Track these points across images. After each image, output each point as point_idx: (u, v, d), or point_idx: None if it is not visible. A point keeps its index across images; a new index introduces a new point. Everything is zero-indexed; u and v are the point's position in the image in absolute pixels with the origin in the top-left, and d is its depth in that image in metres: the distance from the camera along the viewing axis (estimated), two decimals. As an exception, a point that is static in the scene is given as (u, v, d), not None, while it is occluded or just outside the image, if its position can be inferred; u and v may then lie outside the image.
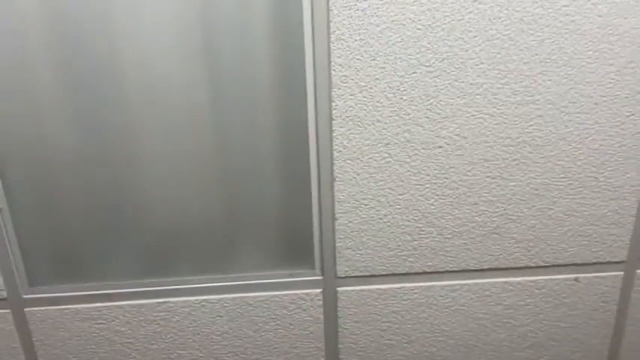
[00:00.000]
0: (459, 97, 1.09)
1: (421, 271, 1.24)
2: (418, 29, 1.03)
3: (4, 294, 1.20)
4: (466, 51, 1.05)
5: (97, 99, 1.06)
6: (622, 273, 1.29)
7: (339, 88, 1.06)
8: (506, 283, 1.27)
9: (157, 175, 1.13)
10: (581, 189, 1.19)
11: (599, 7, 1.03)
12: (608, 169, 1.17)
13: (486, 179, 1.16)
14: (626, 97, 1.11)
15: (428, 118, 1.10)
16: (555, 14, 1.03)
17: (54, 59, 1.03)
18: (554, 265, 1.27)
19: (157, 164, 1.12)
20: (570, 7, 1.03)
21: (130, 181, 1.13)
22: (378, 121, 1.09)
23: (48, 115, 1.07)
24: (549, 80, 1.08)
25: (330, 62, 1.04)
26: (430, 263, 1.24)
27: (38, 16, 1.00)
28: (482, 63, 1.06)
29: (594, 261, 1.27)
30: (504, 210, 1.20)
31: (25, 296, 1.22)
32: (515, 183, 1.17)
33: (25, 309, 1.23)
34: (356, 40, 1.03)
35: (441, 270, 1.25)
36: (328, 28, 1.02)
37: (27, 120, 1.07)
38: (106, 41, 1.02)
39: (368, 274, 1.24)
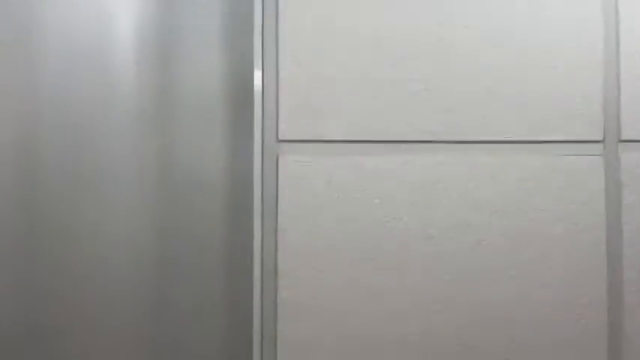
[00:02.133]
0: (404, 295, 1.09)
1: None
2: (362, 227, 1.10)
3: None
4: (407, 248, 1.10)
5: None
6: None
7: (285, 279, 1.08)
8: None
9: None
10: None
11: (529, 214, 1.12)
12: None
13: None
14: (573, 297, 1.12)
15: (375, 316, 1.09)
16: (488, 219, 1.12)
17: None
18: None
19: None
20: (500, 213, 1.12)
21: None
22: (324, 313, 1.08)
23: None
24: (495, 280, 1.11)
25: (277, 253, 1.08)
26: None
27: None
28: (424, 261, 1.10)
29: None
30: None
31: None
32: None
33: None
34: (303, 235, 1.09)
35: None
36: (276, 222, 1.09)
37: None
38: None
39: None
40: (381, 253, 1.10)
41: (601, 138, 1.14)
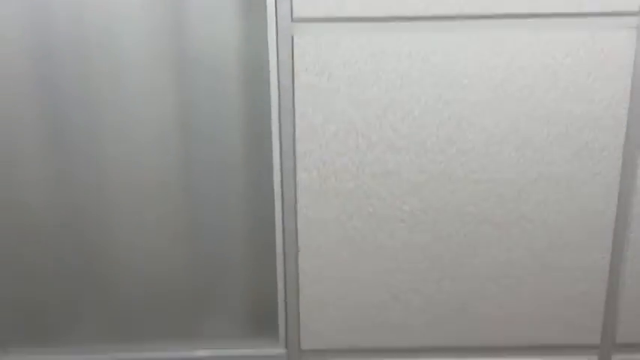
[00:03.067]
0: (419, 174, 1.13)
1: (388, 347, 1.22)
2: (378, 109, 1.09)
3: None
4: (424, 130, 1.10)
5: (67, 163, 1.12)
6: (596, 357, 1.25)
7: (304, 162, 1.11)
8: (475, 363, 1.24)
9: (124, 245, 1.16)
10: (546, 268, 1.19)
11: (551, 93, 1.10)
12: (573, 249, 1.18)
13: (450, 255, 1.17)
14: (585, 179, 1.14)
15: (390, 193, 1.13)
16: (509, 99, 1.09)
17: (32, 116, 1.09)
18: (525, 347, 1.24)
19: (125, 233, 1.15)
20: (522, 93, 1.09)
21: (98, 251, 1.16)
22: (342, 194, 1.13)
23: (18, 180, 1.12)
24: (506, 161, 1.13)
25: (294, 137, 1.10)
26: (397, 339, 1.22)
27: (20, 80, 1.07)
28: (440, 142, 1.11)
29: (566, 344, 1.24)
30: (469, 287, 1.19)
31: (-16, 360, 1.21)
32: (478, 260, 1.18)
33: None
34: (319, 118, 1.09)
35: (408, 347, 1.22)
36: (293, 106, 1.08)
37: None
38: (83, 116, 1.09)
39: (333, 348, 1.22)
40: (397, 136, 1.10)
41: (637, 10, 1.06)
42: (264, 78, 1.07)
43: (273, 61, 1.07)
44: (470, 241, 1.16)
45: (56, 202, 1.13)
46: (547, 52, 1.07)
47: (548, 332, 1.23)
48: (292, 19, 1.04)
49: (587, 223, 1.16)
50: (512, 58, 1.07)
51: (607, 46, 1.07)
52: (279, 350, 1.22)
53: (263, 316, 1.21)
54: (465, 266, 1.18)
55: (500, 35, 1.06)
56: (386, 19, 1.05)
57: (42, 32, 1.05)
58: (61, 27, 1.04)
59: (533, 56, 1.07)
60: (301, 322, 1.19)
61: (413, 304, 1.20)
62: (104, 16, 1.04)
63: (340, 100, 1.08)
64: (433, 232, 1.16)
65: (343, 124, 1.09)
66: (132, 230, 1.15)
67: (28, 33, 1.04)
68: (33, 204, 1.13)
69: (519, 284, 1.19)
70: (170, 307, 1.20)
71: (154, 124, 1.10)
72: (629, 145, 1.12)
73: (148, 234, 1.16)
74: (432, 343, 1.22)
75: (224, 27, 1.05)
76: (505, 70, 1.08)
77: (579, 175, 1.14)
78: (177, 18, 1.05)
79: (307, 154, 1.10)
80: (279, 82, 1.07)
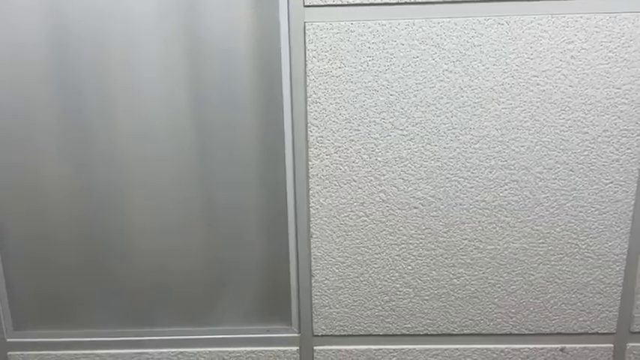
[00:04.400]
0: (432, 160, 1.12)
1: (399, 333, 1.23)
2: (391, 95, 1.08)
3: (-10, 337, 1.24)
4: (438, 116, 1.09)
5: (89, 153, 1.13)
6: (612, 345, 1.24)
7: (316, 148, 1.11)
8: (487, 349, 1.24)
9: (142, 228, 1.18)
10: (562, 255, 1.18)
11: (570, 77, 1.07)
12: (589, 236, 1.16)
13: (463, 241, 1.17)
14: (603, 165, 1.12)
15: (402, 179, 1.13)
16: (526, 84, 1.07)
17: (53, 112, 1.11)
18: (538, 334, 1.23)
19: (142, 218, 1.17)
20: (540, 78, 1.07)
21: (116, 232, 1.18)
22: (354, 180, 1.13)
23: (40, 166, 1.14)
24: (522, 146, 1.11)
25: (307, 123, 1.10)
26: (408, 325, 1.22)
27: (41, 71, 1.09)
28: (454, 128, 1.10)
29: (581, 331, 1.23)
30: (483, 274, 1.19)
31: (8, 340, 1.25)
32: (492, 247, 1.17)
33: (9, 353, 1.25)
34: (331, 104, 1.08)
35: (420, 333, 1.23)
36: (305, 92, 1.08)
37: (19, 171, 1.14)
38: (98, 102, 1.10)
39: (345, 333, 1.23)
40: (410, 122, 1.09)
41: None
42: (276, 64, 1.07)
43: (285, 48, 1.06)
44: (484, 227, 1.16)
45: (76, 195, 1.16)
46: (565, 36, 1.05)
47: (563, 320, 1.22)
48: (304, 4, 1.03)
49: (605, 210, 1.14)
50: (530, 42, 1.05)
51: (627, 30, 1.04)
52: (293, 334, 1.24)
53: (276, 301, 1.22)
54: (479, 253, 1.17)
55: (517, 19, 1.03)
56: (399, 4, 1.03)
57: (60, 33, 1.06)
58: (76, 19, 1.05)
59: (551, 40, 1.05)
60: (314, 307, 1.20)
61: (425, 291, 1.20)
62: (120, 5, 1.05)
63: (353, 87, 1.07)
64: (447, 218, 1.15)
65: (355, 110, 1.08)
66: (148, 216, 1.17)
67: (43, 26, 1.06)
68: (53, 198, 1.16)
69: (534, 271, 1.18)
70: (187, 291, 1.22)
71: (167, 111, 1.11)
72: (649, 131, 1.09)
73: (164, 221, 1.17)
74: (445, 329, 1.22)
75: (236, 13, 1.05)
76: (522, 55, 1.05)
77: (597, 161, 1.11)
78: (190, 3, 1.05)
79: (319, 140, 1.10)
80: (291, 68, 1.07)
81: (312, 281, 1.19)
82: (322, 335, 1.23)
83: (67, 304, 1.23)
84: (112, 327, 1.24)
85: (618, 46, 1.05)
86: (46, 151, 1.13)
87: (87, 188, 1.15)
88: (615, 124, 1.09)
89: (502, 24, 1.04)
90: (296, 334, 1.24)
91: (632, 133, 1.10)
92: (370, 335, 1.23)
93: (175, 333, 1.24)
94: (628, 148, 1.10)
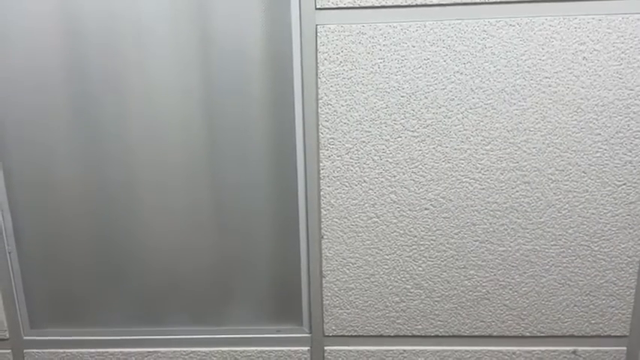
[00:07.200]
0: (443, 162, 1.12)
1: (410, 334, 1.23)
2: (402, 97, 1.08)
3: (7, 334, 1.26)
4: (449, 118, 1.09)
5: (102, 154, 1.15)
6: (625, 348, 1.23)
7: (327, 149, 1.12)
8: (499, 352, 1.24)
9: (155, 229, 1.19)
10: (574, 257, 1.17)
11: (582, 79, 1.07)
12: (602, 238, 1.16)
13: (474, 243, 1.17)
14: (616, 167, 1.11)
15: (413, 180, 1.13)
16: (537, 85, 1.07)
17: (68, 113, 1.13)
18: (550, 336, 1.23)
19: (155, 218, 1.19)
20: (552, 79, 1.07)
21: (130, 233, 1.20)
22: (365, 181, 1.13)
23: (56, 167, 1.16)
24: (534, 148, 1.11)
25: (318, 125, 1.11)
26: (419, 326, 1.22)
27: (56, 76, 1.11)
28: (465, 130, 1.10)
29: (593, 334, 1.22)
30: (494, 275, 1.19)
31: (25, 337, 1.27)
32: (504, 248, 1.17)
33: (25, 350, 1.28)
34: (342, 106, 1.09)
35: (431, 334, 1.23)
36: (316, 94, 1.09)
37: (36, 171, 1.16)
38: (112, 103, 1.12)
39: (356, 334, 1.23)
40: (421, 124, 1.10)
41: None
42: (288, 66, 1.08)
43: (297, 49, 1.07)
44: (495, 229, 1.15)
45: (90, 195, 1.17)
46: (577, 38, 1.04)
47: (575, 322, 1.21)
48: (316, 7, 1.04)
49: (618, 212, 1.14)
50: (541, 44, 1.05)
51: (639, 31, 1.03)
52: (304, 335, 1.24)
53: (287, 301, 1.23)
54: (490, 254, 1.17)
55: (529, 21, 1.03)
56: (410, 7, 1.04)
57: (74, 37, 1.08)
58: (90, 20, 1.07)
59: (563, 42, 1.05)
60: (324, 308, 1.21)
61: (436, 292, 1.20)
62: (133, 8, 1.06)
63: (364, 88, 1.08)
64: (457, 220, 1.15)
65: (366, 112, 1.09)
66: (161, 216, 1.19)
67: (56, 29, 1.08)
68: (68, 199, 1.18)
69: (545, 273, 1.18)
70: (199, 291, 1.23)
71: (182, 115, 1.12)
72: (663, 133, 1.09)
73: (179, 225, 1.19)
74: (455, 331, 1.22)
75: (249, 15, 1.06)
76: (533, 57, 1.05)
77: (610, 163, 1.11)
78: (201, 8, 1.06)
79: (331, 142, 1.11)
80: (302, 69, 1.08)
81: (323, 282, 1.20)
82: (333, 336, 1.23)
83: (82, 304, 1.25)
84: (125, 326, 1.25)
85: (631, 47, 1.04)
86: (61, 152, 1.15)
87: (101, 189, 1.17)
88: (628, 126, 1.09)
89: (513, 25, 1.04)
90: (307, 335, 1.24)
91: (646, 135, 1.09)
92: (381, 336, 1.23)
93: (187, 332, 1.25)
94: (641, 150, 1.10)
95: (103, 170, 1.15)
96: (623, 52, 1.04)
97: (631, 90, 1.06)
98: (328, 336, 1.23)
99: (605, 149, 1.10)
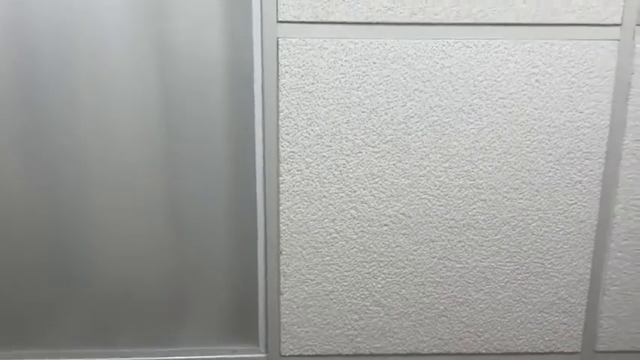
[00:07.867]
0: (403, 178, 1.13)
1: (368, 352, 1.21)
2: (363, 112, 1.09)
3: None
4: (409, 135, 1.10)
5: (52, 154, 1.10)
6: (576, 365, 1.26)
7: (287, 163, 1.11)
8: (456, 370, 1.24)
9: (104, 245, 1.14)
10: (528, 274, 1.19)
11: (535, 100, 1.10)
12: (554, 255, 1.19)
13: (432, 259, 1.17)
14: (567, 186, 1.15)
15: (373, 196, 1.13)
16: (493, 105, 1.10)
17: (15, 112, 1.08)
18: (506, 354, 1.24)
19: (105, 234, 1.14)
20: (507, 100, 1.10)
21: (77, 250, 1.14)
22: (325, 197, 1.13)
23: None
24: (490, 166, 1.13)
25: (278, 138, 1.09)
26: (378, 344, 1.21)
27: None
28: (424, 147, 1.11)
29: (547, 351, 1.24)
30: (452, 292, 1.19)
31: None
32: (461, 265, 1.18)
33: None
34: (303, 119, 1.08)
35: (389, 353, 1.22)
36: (277, 106, 1.08)
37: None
38: (65, 102, 1.08)
39: (313, 353, 1.21)
40: (381, 140, 1.10)
41: (619, 22, 1.07)
42: (249, 78, 1.07)
43: (258, 62, 1.06)
44: (453, 246, 1.16)
45: (38, 201, 1.12)
46: (531, 61, 1.08)
47: (529, 339, 1.23)
48: (278, 20, 1.04)
49: (569, 230, 1.17)
50: (497, 65, 1.08)
51: (590, 56, 1.08)
52: (259, 355, 1.21)
53: (244, 319, 1.19)
54: (448, 271, 1.18)
55: (485, 43, 1.07)
56: (372, 24, 1.05)
57: (29, 39, 1.04)
58: (44, 29, 1.04)
59: (517, 64, 1.08)
60: (282, 327, 1.18)
61: (394, 309, 1.19)
62: (90, 20, 1.03)
63: (325, 102, 1.08)
64: (416, 236, 1.15)
65: (327, 126, 1.09)
66: (113, 232, 1.14)
67: (10, 31, 1.03)
68: (15, 209, 1.12)
69: (501, 290, 1.20)
70: (151, 310, 1.18)
71: (138, 124, 1.09)
72: (610, 154, 1.13)
73: (129, 236, 1.14)
74: (414, 349, 1.21)
75: (209, 27, 1.05)
76: (489, 78, 1.08)
77: (561, 182, 1.14)
78: (162, 17, 1.05)
79: (291, 155, 1.10)
80: (263, 82, 1.07)
81: (281, 299, 1.17)
82: (290, 355, 1.20)
83: (28, 325, 1.17)
84: (69, 347, 1.18)
85: (581, 71, 1.09)
86: (6, 152, 1.09)
87: (47, 206, 1.11)
88: (578, 147, 1.13)
89: (470, 47, 1.07)
90: (262, 355, 1.21)
91: (594, 156, 1.13)
92: (339, 355, 1.21)
93: (137, 354, 1.19)
94: (590, 170, 1.14)
95: (51, 172, 1.10)
96: (573, 77, 1.09)
97: (581, 112, 1.11)
98: (285, 356, 1.20)
99: (557, 169, 1.14)
